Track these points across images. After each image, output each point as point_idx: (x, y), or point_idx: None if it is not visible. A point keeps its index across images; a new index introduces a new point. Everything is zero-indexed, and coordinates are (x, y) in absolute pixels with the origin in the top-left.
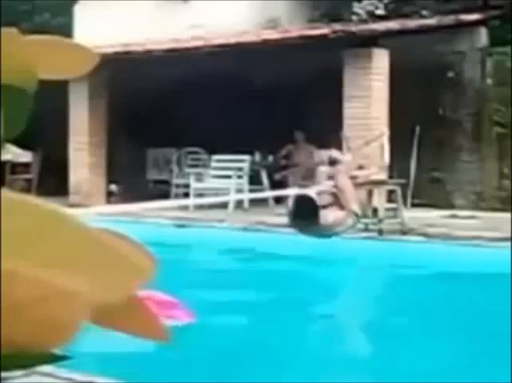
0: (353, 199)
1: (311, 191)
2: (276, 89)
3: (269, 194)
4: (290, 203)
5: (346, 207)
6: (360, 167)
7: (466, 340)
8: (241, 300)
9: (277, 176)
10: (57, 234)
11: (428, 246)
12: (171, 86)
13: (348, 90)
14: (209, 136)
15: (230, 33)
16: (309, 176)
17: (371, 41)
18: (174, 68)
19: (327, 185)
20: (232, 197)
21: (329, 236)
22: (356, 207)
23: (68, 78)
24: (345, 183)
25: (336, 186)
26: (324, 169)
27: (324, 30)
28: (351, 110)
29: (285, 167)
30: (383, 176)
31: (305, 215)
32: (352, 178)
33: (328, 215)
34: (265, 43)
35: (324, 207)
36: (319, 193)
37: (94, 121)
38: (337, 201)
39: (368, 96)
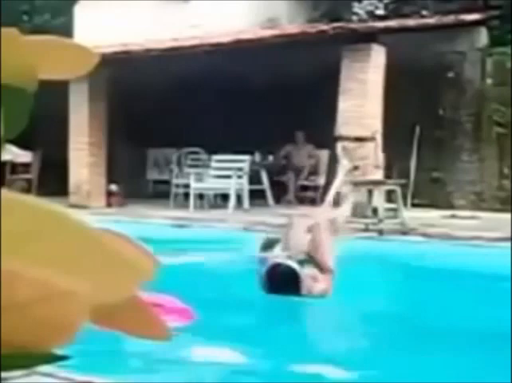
0: (329, 254)
1: (291, 262)
2: (276, 89)
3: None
4: (263, 271)
5: (322, 263)
6: (356, 168)
7: (466, 340)
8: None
9: (277, 176)
10: (57, 234)
11: (428, 246)
12: (171, 86)
13: (344, 86)
14: (209, 136)
15: (230, 33)
16: (309, 176)
17: (369, 37)
18: (173, 67)
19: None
20: None
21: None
22: (331, 263)
23: (68, 78)
24: (324, 238)
25: (313, 240)
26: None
27: (323, 27)
28: (345, 104)
29: (284, 167)
30: (379, 176)
31: (284, 286)
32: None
33: (314, 287)
34: (264, 40)
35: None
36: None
37: (94, 121)
38: (313, 259)
39: (365, 93)
